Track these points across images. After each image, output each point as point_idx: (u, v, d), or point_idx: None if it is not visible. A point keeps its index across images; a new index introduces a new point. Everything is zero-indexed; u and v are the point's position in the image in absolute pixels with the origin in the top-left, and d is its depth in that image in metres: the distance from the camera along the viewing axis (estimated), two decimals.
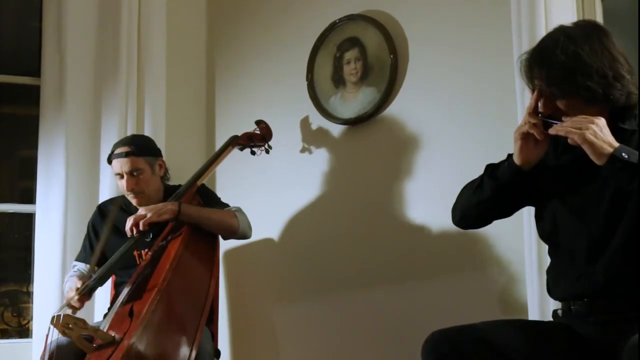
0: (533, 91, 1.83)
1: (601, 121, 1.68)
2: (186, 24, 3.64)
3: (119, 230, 2.76)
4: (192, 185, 2.76)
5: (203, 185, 2.87)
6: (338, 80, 3.06)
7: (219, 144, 3.27)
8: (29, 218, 3.37)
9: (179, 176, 2.95)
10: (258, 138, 3.06)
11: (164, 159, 2.89)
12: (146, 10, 3.35)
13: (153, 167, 2.78)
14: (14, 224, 3.59)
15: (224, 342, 3.20)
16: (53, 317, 2.21)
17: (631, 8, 3.04)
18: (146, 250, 2.67)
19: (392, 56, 2.88)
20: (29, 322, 3.36)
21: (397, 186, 2.85)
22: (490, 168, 1.93)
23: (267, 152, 3.09)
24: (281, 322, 3.21)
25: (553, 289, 1.91)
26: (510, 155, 1.88)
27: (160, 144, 2.99)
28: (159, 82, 3.36)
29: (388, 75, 2.88)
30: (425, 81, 2.81)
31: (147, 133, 3.24)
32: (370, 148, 2.97)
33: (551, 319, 1.97)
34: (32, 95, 3.41)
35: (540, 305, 2.29)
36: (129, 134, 3.21)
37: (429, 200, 2.75)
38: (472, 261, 2.63)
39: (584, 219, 1.79)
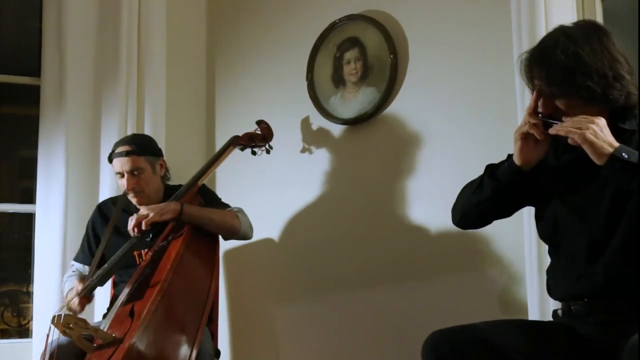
0: (533, 91, 1.83)
1: (601, 121, 1.68)
2: (186, 24, 3.64)
3: (118, 230, 2.76)
4: (193, 185, 2.76)
5: (204, 185, 2.87)
6: (338, 80, 3.06)
7: (219, 144, 3.28)
8: (29, 218, 3.37)
9: (179, 176, 2.95)
10: (259, 138, 3.06)
11: (163, 157, 2.88)
12: (146, 10, 3.35)
13: (154, 166, 2.78)
14: (14, 224, 3.59)
15: (224, 342, 3.20)
16: (54, 317, 2.21)
17: (631, 8, 3.04)
18: (146, 250, 2.66)
19: (392, 56, 2.88)
20: (29, 322, 3.36)
21: (397, 186, 2.85)
22: (490, 168, 1.93)
23: (268, 152, 3.09)
24: (281, 322, 3.21)
25: (553, 289, 1.91)
26: (510, 156, 1.88)
27: (160, 144, 2.99)
28: (159, 82, 3.36)
29: (388, 75, 2.88)
30: (425, 81, 2.81)
31: (147, 133, 3.24)
32: (370, 148, 2.97)
33: (551, 319, 1.97)
34: (32, 95, 3.41)
35: (540, 305, 2.29)
36: (129, 133, 3.21)
37: (429, 200, 2.75)
38: (472, 261, 2.63)
39: (584, 219, 1.79)
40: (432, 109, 2.78)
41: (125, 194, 2.77)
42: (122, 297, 2.43)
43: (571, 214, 1.82)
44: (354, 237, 2.96)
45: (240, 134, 3.02)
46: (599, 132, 1.66)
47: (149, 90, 3.33)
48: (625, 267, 1.71)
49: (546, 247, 1.97)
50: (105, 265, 2.54)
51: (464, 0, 2.72)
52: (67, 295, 2.65)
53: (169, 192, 2.79)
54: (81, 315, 2.41)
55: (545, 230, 1.91)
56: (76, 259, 2.90)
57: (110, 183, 3.17)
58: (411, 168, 2.82)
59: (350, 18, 3.03)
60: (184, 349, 2.28)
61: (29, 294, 3.37)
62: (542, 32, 2.28)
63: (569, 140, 1.69)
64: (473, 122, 2.65)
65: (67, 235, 3.19)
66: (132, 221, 2.54)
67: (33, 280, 3.23)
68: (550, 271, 1.93)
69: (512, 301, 2.52)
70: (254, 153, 3.08)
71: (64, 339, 2.34)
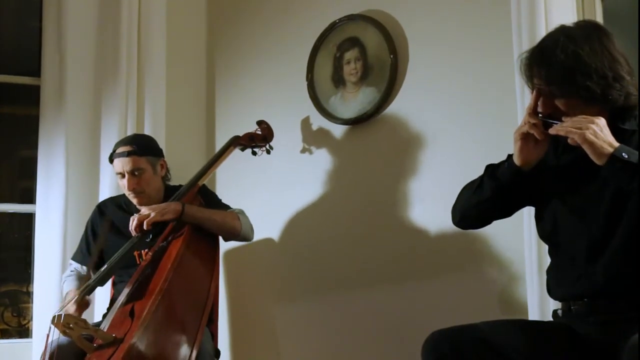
0: (532, 90, 1.83)
1: (601, 121, 1.68)
2: (186, 24, 3.64)
3: (119, 230, 2.76)
4: (193, 185, 2.76)
5: (204, 185, 2.87)
6: (338, 80, 3.06)
7: (219, 144, 3.28)
8: (29, 218, 3.37)
9: (179, 176, 2.95)
10: (259, 138, 3.06)
11: (164, 157, 2.88)
12: (146, 10, 3.35)
13: (154, 167, 2.78)
14: (14, 224, 3.59)
15: (224, 342, 3.20)
16: (54, 317, 2.21)
17: (631, 8, 3.04)
18: (146, 250, 2.66)
19: (392, 56, 2.88)
20: (29, 322, 3.36)
21: (397, 186, 2.85)
22: (490, 168, 1.93)
23: (268, 152, 3.09)
24: (281, 322, 3.21)
25: (553, 289, 1.91)
26: (510, 156, 1.88)
27: (160, 144, 2.99)
28: (159, 82, 3.36)
29: (388, 75, 2.88)
30: (425, 81, 2.81)
31: (147, 133, 3.24)
32: (370, 148, 2.97)
33: (551, 319, 1.97)
34: (32, 95, 3.41)
35: (540, 305, 2.29)
36: (129, 133, 3.21)
37: (429, 200, 2.75)
38: (472, 261, 2.63)
39: (584, 219, 1.79)
40: (432, 109, 2.78)
41: (125, 194, 2.77)
42: (122, 297, 2.43)
43: (571, 214, 1.82)
44: (354, 237, 2.96)
45: (241, 134, 3.02)
46: (599, 132, 1.66)
47: (149, 90, 3.33)
48: (625, 267, 1.71)
49: (546, 247, 1.97)
50: (105, 265, 2.54)
51: (464, 0, 2.72)
52: (65, 297, 2.64)
53: (170, 192, 2.79)
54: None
55: (545, 230, 1.91)
56: (74, 259, 2.90)
57: (110, 183, 3.17)
58: (411, 168, 2.82)
59: (350, 18, 3.03)
60: (184, 349, 2.29)
61: (29, 294, 3.37)
62: (542, 32, 2.28)
63: (569, 140, 1.69)
64: (473, 122, 2.65)
65: (67, 235, 3.19)
66: (133, 221, 2.54)
67: (33, 280, 3.23)
68: (550, 271, 1.93)
69: (512, 301, 2.52)
70: (254, 153, 3.08)
71: (64, 339, 2.34)
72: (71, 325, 2.19)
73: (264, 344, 3.25)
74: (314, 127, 3.14)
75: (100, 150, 3.28)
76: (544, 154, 1.84)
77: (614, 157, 1.63)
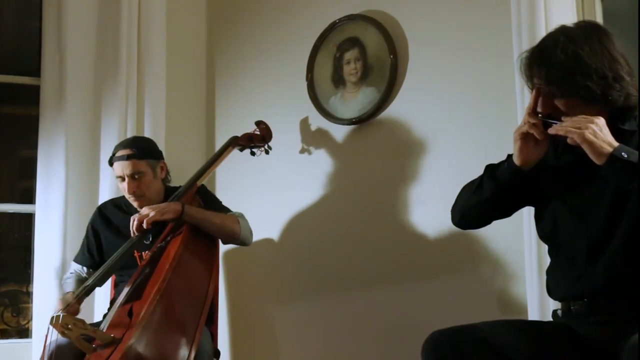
0: (532, 90, 1.83)
1: (601, 121, 1.68)
2: (186, 24, 3.64)
3: (119, 231, 2.76)
4: (191, 185, 2.76)
5: (203, 186, 2.87)
6: (338, 81, 3.06)
7: (219, 144, 3.28)
8: (29, 218, 3.37)
9: (179, 176, 2.95)
10: (258, 139, 3.06)
11: (164, 160, 2.88)
12: (146, 10, 3.35)
13: (154, 169, 2.78)
14: (14, 224, 3.59)
15: (224, 342, 3.20)
16: (52, 318, 2.21)
17: (631, 8, 3.04)
18: (147, 252, 2.66)
19: (392, 56, 2.88)
20: (28, 322, 3.35)
21: (397, 186, 2.85)
22: (490, 168, 1.93)
23: (267, 152, 3.09)
24: (281, 322, 3.21)
25: (553, 289, 1.91)
26: (510, 156, 1.88)
27: (160, 144, 2.99)
28: (159, 82, 3.36)
29: (388, 75, 2.88)
30: (425, 81, 2.81)
31: (147, 133, 3.24)
32: (370, 148, 2.96)
33: (551, 319, 1.97)
34: (32, 95, 3.41)
35: (540, 305, 2.29)
36: (129, 133, 3.21)
37: (428, 200, 2.75)
38: (472, 261, 2.63)
39: (584, 219, 1.79)
40: (432, 109, 2.78)
41: (125, 196, 2.77)
42: (122, 297, 2.43)
43: (571, 214, 1.82)
44: (354, 238, 2.96)
45: (240, 134, 3.02)
46: (599, 132, 1.66)
47: (149, 90, 3.32)
48: (625, 267, 1.70)
49: (546, 247, 1.97)
50: (105, 265, 2.54)
51: (464, 0, 2.72)
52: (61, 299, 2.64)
53: (170, 193, 2.78)
54: (80, 315, 2.40)
55: (545, 231, 1.91)
56: (75, 260, 2.90)
57: (110, 183, 3.17)
58: (411, 168, 2.81)
59: (350, 18, 3.03)
60: (182, 349, 2.28)
61: (28, 294, 3.36)
62: (542, 32, 2.28)
63: (569, 140, 1.69)
64: (473, 122, 2.65)
65: (67, 235, 3.19)
66: (134, 221, 2.54)
67: (33, 280, 3.23)
68: (550, 271, 1.93)
69: (512, 301, 2.51)
70: (253, 154, 3.08)
71: (63, 339, 2.33)
72: (69, 326, 2.18)
73: (264, 344, 3.25)
74: (314, 127, 3.14)
75: (100, 150, 3.28)
76: (544, 154, 1.84)
77: (613, 157, 1.63)
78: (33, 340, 3.16)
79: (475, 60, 2.67)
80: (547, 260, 1.95)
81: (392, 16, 2.93)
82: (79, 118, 3.32)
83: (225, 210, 2.81)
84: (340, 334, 2.97)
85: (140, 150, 2.74)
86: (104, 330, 2.29)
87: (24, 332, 3.41)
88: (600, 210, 1.75)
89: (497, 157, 1.95)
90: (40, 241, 3.23)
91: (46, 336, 2.33)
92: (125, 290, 2.47)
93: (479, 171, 1.96)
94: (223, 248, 3.04)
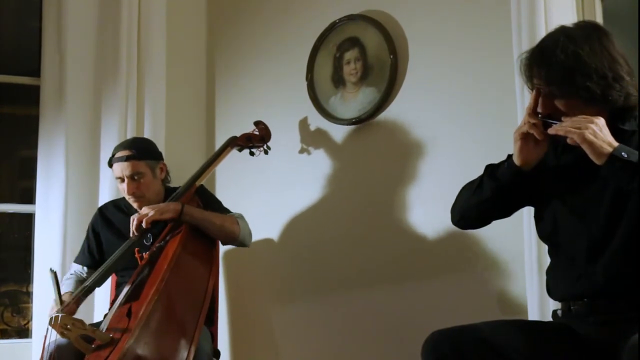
0: (532, 90, 1.83)
1: (600, 121, 1.68)
2: (186, 24, 3.64)
3: (120, 232, 2.76)
4: (190, 186, 2.76)
5: (202, 186, 2.87)
6: (338, 81, 3.06)
7: (219, 144, 3.27)
8: (29, 218, 3.37)
9: (179, 177, 2.95)
10: (257, 139, 3.05)
11: (164, 160, 2.88)
12: (146, 10, 3.35)
13: (154, 170, 2.78)
14: (14, 224, 3.59)
15: (223, 343, 3.20)
16: (51, 318, 2.21)
17: (631, 8, 3.04)
18: (148, 252, 2.66)
19: (392, 56, 2.88)
20: (28, 322, 3.36)
21: (397, 186, 2.85)
22: (490, 168, 1.93)
23: (266, 152, 3.08)
24: (281, 323, 3.21)
25: (553, 289, 1.91)
26: (510, 156, 1.88)
27: (160, 145, 2.99)
28: (159, 82, 3.36)
29: (388, 75, 2.88)
30: (425, 81, 2.81)
31: (147, 133, 3.25)
32: (370, 148, 2.96)
33: (551, 319, 1.97)
34: (32, 95, 3.41)
35: (540, 305, 2.29)
36: (129, 134, 3.21)
37: (428, 200, 2.74)
38: (471, 261, 2.63)
39: (584, 219, 1.78)
40: (432, 109, 2.78)
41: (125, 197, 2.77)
42: (121, 297, 2.43)
43: (571, 214, 1.82)
44: (354, 238, 2.96)
45: (239, 134, 3.02)
46: (598, 132, 1.66)
47: (149, 90, 3.33)
48: (625, 267, 1.70)
49: (546, 247, 1.97)
50: (104, 265, 2.54)
51: (464, 0, 2.72)
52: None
53: (169, 194, 2.78)
54: (80, 315, 2.40)
55: (545, 231, 1.91)
56: (76, 261, 2.90)
57: (110, 183, 3.17)
58: (411, 168, 2.81)
59: (350, 18, 3.03)
60: (181, 349, 2.28)
61: (28, 294, 3.37)
62: (542, 32, 2.28)
63: (568, 140, 1.69)
64: (473, 122, 2.65)
65: (67, 236, 3.19)
66: (133, 221, 2.54)
67: (33, 280, 3.23)
68: (550, 271, 1.93)
69: (511, 301, 2.51)
70: (252, 154, 3.08)
71: (63, 339, 2.33)
72: (68, 326, 2.18)
73: (264, 344, 3.25)
74: (314, 127, 3.14)
75: (100, 151, 3.28)
76: (544, 154, 1.84)
77: (613, 157, 1.63)
78: (33, 340, 3.16)
79: (475, 60, 2.67)
80: (547, 260, 1.95)
81: (392, 16, 2.93)
82: (79, 118, 3.32)
83: (225, 210, 2.80)
84: (340, 334, 2.97)
85: (140, 151, 2.74)
86: (104, 330, 2.29)
87: (24, 332, 3.41)
88: (600, 210, 1.75)
89: (497, 157, 1.95)
90: (40, 241, 3.23)
91: (45, 336, 2.33)
92: (125, 290, 2.47)
93: (479, 171, 1.96)
94: (223, 248, 3.05)
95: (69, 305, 2.40)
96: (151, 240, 2.68)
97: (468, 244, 2.61)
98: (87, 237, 2.90)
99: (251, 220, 2.80)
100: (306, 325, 3.10)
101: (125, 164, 2.71)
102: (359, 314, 2.91)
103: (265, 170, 3.24)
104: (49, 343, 2.34)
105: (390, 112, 2.89)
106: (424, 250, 2.75)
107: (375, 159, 2.95)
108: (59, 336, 2.28)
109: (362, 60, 2.99)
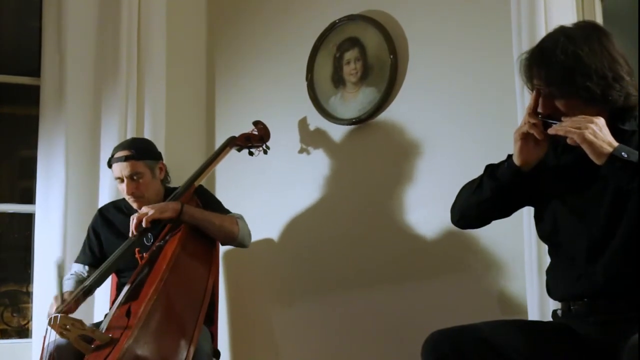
0: (532, 91, 1.83)
1: (600, 121, 1.68)
2: (186, 24, 3.64)
3: (120, 233, 2.76)
4: (189, 186, 2.76)
5: (201, 186, 2.87)
6: (338, 81, 3.06)
7: (219, 144, 3.27)
8: (29, 218, 3.37)
9: (179, 176, 2.95)
10: (256, 139, 3.05)
11: (163, 160, 2.88)
12: (146, 10, 3.35)
13: (153, 170, 2.78)
14: (14, 224, 3.59)
15: (223, 343, 3.20)
16: (50, 319, 2.20)
17: (631, 8, 3.04)
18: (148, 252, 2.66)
19: (392, 56, 2.88)
20: (28, 322, 3.35)
21: (397, 186, 2.85)
22: (489, 168, 1.93)
23: (265, 152, 3.08)
24: (281, 323, 3.21)
25: (553, 289, 1.91)
26: (510, 156, 1.88)
27: (160, 145, 2.99)
28: (159, 82, 3.36)
29: (388, 75, 2.88)
30: (425, 81, 2.81)
31: (146, 133, 3.24)
32: (370, 148, 2.96)
33: (551, 319, 1.97)
34: (32, 95, 3.41)
35: (540, 305, 2.29)
36: (129, 134, 3.21)
37: (428, 200, 2.74)
38: (471, 261, 2.63)
39: (584, 219, 1.78)
40: (432, 109, 2.77)
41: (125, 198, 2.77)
42: (121, 297, 2.43)
43: (571, 215, 1.82)
44: (354, 238, 2.96)
45: (238, 134, 3.02)
46: (598, 132, 1.66)
47: (149, 90, 3.33)
48: (625, 267, 1.70)
49: (546, 247, 1.97)
50: (104, 265, 2.54)
51: (464, 0, 2.72)
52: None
53: (169, 194, 2.78)
54: (80, 316, 2.40)
55: (545, 231, 1.91)
56: (76, 261, 2.90)
57: (110, 183, 3.17)
58: (411, 168, 2.81)
59: (350, 18, 3.03)
60: (180, 349, 2.28)
61: (28, 294, 3.36)
62: (542, 32, 2.28)
63: (568, 140, 1.69)
64: (473, 122, 2.65)
65: (67, 236, 3.19)
66: (133, 220, 2.54)
67: (33, 280, 3.23)
68: (550, 271, 1.93)
69: (511, 301, 2.51)
70: (251, 154, 3.08)
71: (62, 339, 2.33)
72: (68, 326, 2.18)
73: (264, 344, 3.25)
74: (314, 127, 3.14)
75: (100, 151, 3.28)
76: (544, 154, 1.84)
77: (613, 157, 1.63)
78: (33, 340, 3.16)
79: (475, 60, 2.67)
80: (547, 260, 1.95)
81: (392, 16, 2.93)
82: (79, 118, 3.32)
83: (225, 211, 2.80)
84: (340, 334, 2.97)
85: (139, 151, 2.74)
86: (104, 330, 2.29)
87: (24, 332, 3.41)
88: (600, 211, 1.75)
89: (497, 157, 1.95)
90: (40, 241, 3.23)
91: (45, 337, 2.33)
92: (125, 290, 2.47)
93: (479, 171, 1.96)
94: (223, 248, 3.04)
95: (68, 305, 2.39)
96: (152, 241, 2.68)
97: (468, 244, 2.61)
98: (88, 237, 2.90)
99: (251, 220, 2.80)
100: (306, 326, 3.10)
101: (124, 164, 2.71)
102: (359, 314, 2.91)
103: (265, 171, 3.24)
104: (49, 343, 2.34)
105: (390, 112, 2.89)
106: (423, 250, 2.75)
107: (375, 159, 2.95)
108: (58, 336, 2.27)
109: (362, 60, 2.99)
